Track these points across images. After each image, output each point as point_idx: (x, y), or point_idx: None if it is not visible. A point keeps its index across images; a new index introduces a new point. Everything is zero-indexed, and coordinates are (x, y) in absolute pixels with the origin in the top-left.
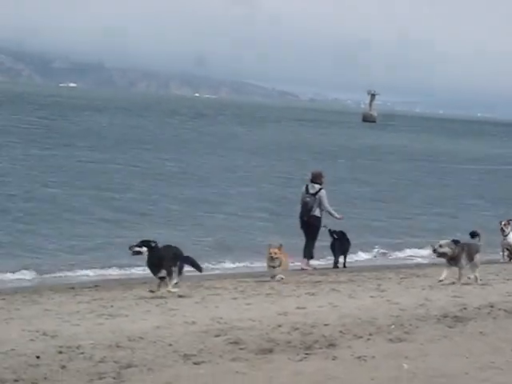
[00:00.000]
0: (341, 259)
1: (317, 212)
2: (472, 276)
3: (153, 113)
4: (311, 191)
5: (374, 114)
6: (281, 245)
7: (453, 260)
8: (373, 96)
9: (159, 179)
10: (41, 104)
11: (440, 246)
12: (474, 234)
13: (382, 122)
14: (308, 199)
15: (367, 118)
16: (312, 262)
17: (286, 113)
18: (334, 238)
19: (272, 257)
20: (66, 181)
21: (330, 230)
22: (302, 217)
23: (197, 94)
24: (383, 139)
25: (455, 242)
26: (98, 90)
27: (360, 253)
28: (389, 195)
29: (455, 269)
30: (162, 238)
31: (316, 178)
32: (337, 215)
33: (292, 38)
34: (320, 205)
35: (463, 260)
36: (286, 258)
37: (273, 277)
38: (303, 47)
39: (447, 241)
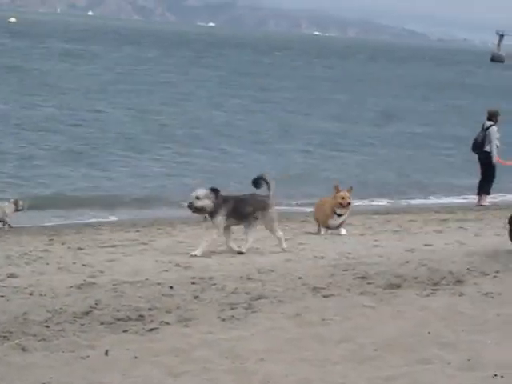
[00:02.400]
0: None
1: (487, 148)
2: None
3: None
4: (484, 127)
5: (503, 54)
6: (351, 187)
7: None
8: (501, 36)
9: None
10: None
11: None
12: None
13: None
14: (479, 134)
15: (495, 58)
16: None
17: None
18: None
19: (341, 203)
20: None
21: None
22: (473, 151)
23: (317, 33)
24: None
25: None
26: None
27: None
28: None
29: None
30: None
31: (491, 116)
32: (494, 157)
33: None
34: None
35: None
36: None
37: (335, 229)
38: None
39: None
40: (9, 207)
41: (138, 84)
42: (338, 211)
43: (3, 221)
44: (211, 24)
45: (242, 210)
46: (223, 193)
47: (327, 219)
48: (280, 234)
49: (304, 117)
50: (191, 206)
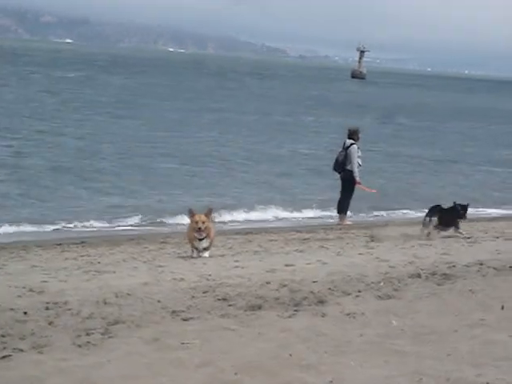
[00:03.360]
0: None
1: (349, 167)
2: None
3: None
4: (344, 146)
5: (364, 70)
6: (210, 210)
7: None
8: (362, 53)
9: None
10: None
11: None
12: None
13: (371, 80)
14: (340, 153)
15: (356, 75)
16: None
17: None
18: None
19: (200, 227)
20: None
21: None
22: (334, 170)
23: (182, 50)
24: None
25: None
26: (90, 45)
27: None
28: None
29: None
30: None
31: (351, 134)
32: (356, 176)
33: None
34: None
35: None
36: (213, 228)
37: (200, 251)
38: (294, 3)
39: None
40: None
41: None
42: (197, 235)
43: None
44: (68, 40)
45: None
46: None
47: (192, 241)
48: None
49: None
50: None
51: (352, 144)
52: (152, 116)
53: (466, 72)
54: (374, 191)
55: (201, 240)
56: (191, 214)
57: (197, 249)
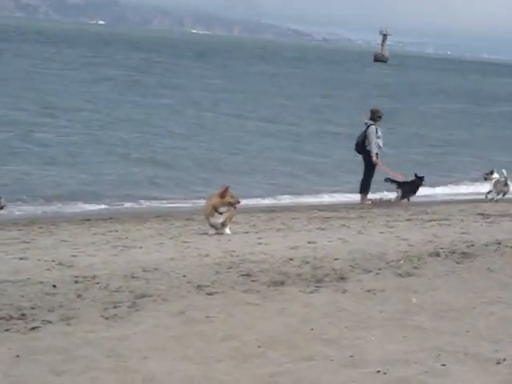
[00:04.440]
0: None
1: (368, 147)
2: None
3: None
4: (364, 127)
5: (386, 53)
6: (227, 187)
7: None
8: (385, 36)
9: None
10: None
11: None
12: None
13: (393, 62)
14: (360, 135)
15: (379, 58)
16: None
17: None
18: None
19: (237, 201)
20: None
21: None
22: (356, 151)
23: (208, 32)
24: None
25: None
26: (118, 27)
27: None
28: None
29: None
30: None
31: (372, 115)
32: (373, 156)
33: None
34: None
35: None
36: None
37: (218, 228)
38: None
39: None
40: None
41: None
42: (222, 209)
43: None
44: (101, 22)
45: None
46: None
47: (209, 218)
48: None
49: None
50: None
51: (371, 125)
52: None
53: (486, 56)
54: (400, 176)
55: (219, 215)
56: (225, 191)
57: (214, 226)
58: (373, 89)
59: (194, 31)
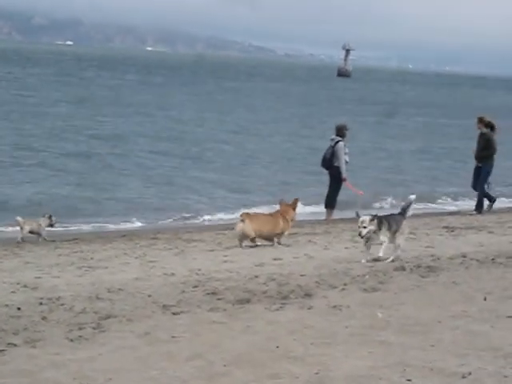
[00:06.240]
0: None
1: (336, 163)
2: None
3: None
4: (331, 143)
5: (349, 68)
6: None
7: None
8: (348, 51)
9: None
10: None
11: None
12: None
13: (357, 76)
14: (328, 150)
15: (342, 73)
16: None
17: (272, 69)
18: None
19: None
20: None
21: None
22: (323, 166)
23: (163, 49)
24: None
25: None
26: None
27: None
28: None
29: None
30: None
31: (339, 131)
32: (343, 173)
33: None
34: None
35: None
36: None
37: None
38: (278, 3)
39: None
40: (44, 221)
41: None
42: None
43: (39, 233)
44: (69, 42)
45: None
46: None
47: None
48: None
49: None
50: None
51: (339, 141)
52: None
53: (447, 68)
54: (360, 193)
55: None
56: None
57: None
58: (329, 104)
59: (149, 48)
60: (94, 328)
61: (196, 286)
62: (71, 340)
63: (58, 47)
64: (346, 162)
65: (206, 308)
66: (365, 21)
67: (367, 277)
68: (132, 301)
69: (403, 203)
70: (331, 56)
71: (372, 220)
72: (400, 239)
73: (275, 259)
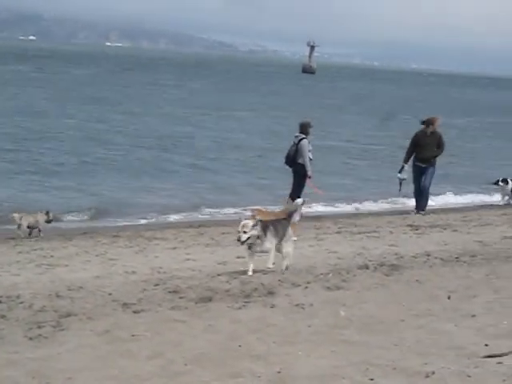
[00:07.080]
0: None
1: (300, 160)
2: None
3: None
4: (295, 140)
5: (314, 65)
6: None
7: None
8: (312, 48)
9: None
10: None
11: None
12: None
13: (321, 73)
14: (292, 148)
15: (307, 70)
16: None
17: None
18: None
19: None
20: None
21: None
22: (286, 164)
23: (120, 44)
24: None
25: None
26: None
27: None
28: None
29: None
30: None
31: (302, 128)
32: (309, 170)
33: None
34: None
35: None
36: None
37: None
38: None
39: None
40: (41, 217)
41: None
42: None
43: (38, 228)
44: (31, 37)
45: None
46: None
47: None
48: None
49: None
50: None
51: (302, 138)
52: None
53: (414, 66)
54: (321, 193)
55: None
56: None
57: None
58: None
59: (108, 44)
60: (53, 326)
61: (157, 285)
62: (30, 338)
63: (23, 42)
64: (310, 159)
65: (168, 306)
66: (327, 18)
67: (330, 275)
68: (92, 299)
69: (290, 208)
70: (295, 53)
71: (255, 225)
72: (288, 247)
73: (238, 257)
